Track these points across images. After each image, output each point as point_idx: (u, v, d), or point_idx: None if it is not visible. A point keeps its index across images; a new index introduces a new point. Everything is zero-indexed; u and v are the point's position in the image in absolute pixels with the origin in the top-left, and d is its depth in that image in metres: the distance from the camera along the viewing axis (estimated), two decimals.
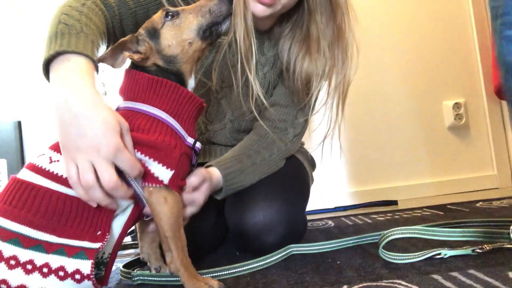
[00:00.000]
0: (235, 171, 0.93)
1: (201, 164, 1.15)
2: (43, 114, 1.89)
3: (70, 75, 0.65)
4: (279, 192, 0.98)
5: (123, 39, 0.72)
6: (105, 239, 0.64)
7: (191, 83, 0.78)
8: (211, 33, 0.74)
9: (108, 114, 0.63)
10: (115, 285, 0.83)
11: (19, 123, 1.81)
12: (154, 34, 0.73)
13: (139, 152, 0.66)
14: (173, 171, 0.68)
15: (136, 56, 0.71)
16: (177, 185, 0.70)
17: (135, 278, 0.80)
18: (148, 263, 0.83)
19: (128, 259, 0.97)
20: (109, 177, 0.61)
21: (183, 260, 0.69)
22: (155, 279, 0.79)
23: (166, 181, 0.67)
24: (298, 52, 1.01)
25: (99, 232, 0.64)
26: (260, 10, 0.93)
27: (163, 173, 0.67)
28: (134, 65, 0.75)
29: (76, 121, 0.61)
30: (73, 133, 0.61)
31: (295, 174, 1.10)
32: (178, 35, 0.72)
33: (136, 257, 0.97)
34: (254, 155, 0.99)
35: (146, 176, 0.67)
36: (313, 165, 1.24)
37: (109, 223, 0.65)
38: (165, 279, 0.78)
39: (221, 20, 0.74)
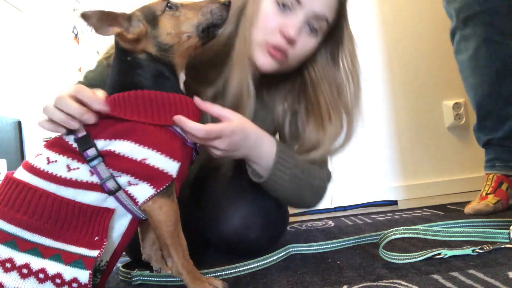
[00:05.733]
0: (288, 158, 0.86)
1: None
2: (43, 114, 1.88)
3: None
4: (246, 192, 0.96)
5: (115, 12, 0.68)
6: (103, 246, 0.62)
7: (182, 76, 0.76)
8: (208, 33, 0.74)
9: None
10: (115, 285, 0.83)
11: (19, 123, 1.80)
12: (152, 19, 0.70)
13: (142, 146, 0.65)
14: (179, 163, 0.67)
15: (130, 36, 0.68)
16: (181, 179, 0.68)
17: (135, 278, 0.80)
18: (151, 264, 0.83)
19: (127, 259, 0.97)
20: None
21: (184, 263, 0.68)
22: (155, 279, 0.79)
23: (174, 174, 0.66)
24: (307, 122, 0.96)
25: (96, 238, 0.63)
26: (268, 63, 0.88)
27: (170, 165, 0.66)
28: (119, 55, 0.71)
29: None
30: None
31: None
32: (177, 26, 0.71)
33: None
34: (305, 170, 0.90)
35: (153, 176, 0.65)
36: None
37: (106, 228, 0.64)
38: (165, 279, 0.78)
39: (220, 23, 0.74)
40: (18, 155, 1.76)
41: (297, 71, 0.97)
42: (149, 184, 0.66)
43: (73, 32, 2.17)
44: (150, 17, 0.70)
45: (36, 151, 0.68)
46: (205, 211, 1.01)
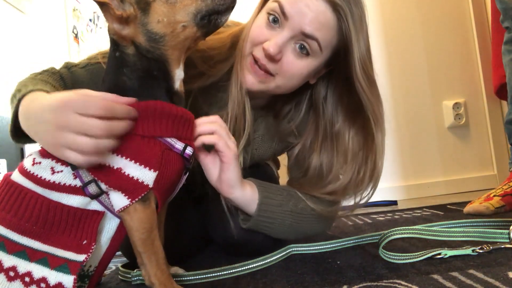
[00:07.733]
0: (274, 200, 0.85)
1: None
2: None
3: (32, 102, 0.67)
4: None
5: None
6: (91, 250, 0.61)
7: (179, 74, 0.69)
8: (209, 22, 0.66)
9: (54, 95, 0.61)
10: (115, 285, 0.83)
11: None
12: (144, 4, 0.63)
13: (115, 154, 0.61)
14: (156, 172, 0.62)
15: (118, 12, 0.61)
16: (162, 188, 0.64)
17: (134, 278, 0.80)
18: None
19: (126, 260, 0.97)
20: (92, 123, 0.57)
21: (157, 273, 0.65)
22: None
23: (151, 184, 0.62)
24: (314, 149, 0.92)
25: (85, 241, 0.62)
26: (249, 80, 0.82)
27: (146, 175, 0.62)
28: (111, 50, 0.67)
29: (36, 121, 0.64)
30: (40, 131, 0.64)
31: (264, 174, 1.09)
32: (171, 14, 0.63)
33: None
34: (297, 199, 0.89)
35: (127, 187, 0.61)
36: (277, 164, 1.24)
37: (95, 231, 0.63)
38: None
39: (223, 10, 0.66)
40: (18, 155, 1.76)
41: (309, 100, 0.93)
42: (124, 194, 0.62)
43: (73, 32, 2.17)
44: (142, 1, 0.64)
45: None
46: (210, 212, 1.00)
